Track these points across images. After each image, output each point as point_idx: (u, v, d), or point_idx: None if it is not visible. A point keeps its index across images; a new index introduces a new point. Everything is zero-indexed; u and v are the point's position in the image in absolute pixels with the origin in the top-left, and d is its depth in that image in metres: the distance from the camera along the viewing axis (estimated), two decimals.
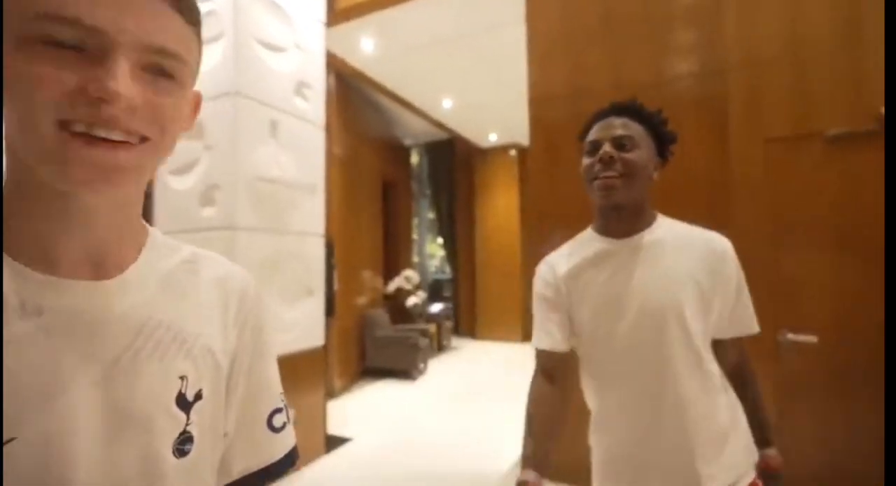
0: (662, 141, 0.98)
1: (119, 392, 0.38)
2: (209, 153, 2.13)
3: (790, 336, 1.78)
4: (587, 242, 1.02)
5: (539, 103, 2.35)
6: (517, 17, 2.47)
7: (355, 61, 4.13)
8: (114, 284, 0.40)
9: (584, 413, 1.03)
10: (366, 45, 3.82)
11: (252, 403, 0.49)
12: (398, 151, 6.60)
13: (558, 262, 1.03)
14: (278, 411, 0.50)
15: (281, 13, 2.33)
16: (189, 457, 0.41)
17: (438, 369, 5.32)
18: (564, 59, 2.28)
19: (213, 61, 2.11)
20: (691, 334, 0.90)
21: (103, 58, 0.33)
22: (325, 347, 2.70)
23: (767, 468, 0.95)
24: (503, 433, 3.17)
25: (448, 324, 6.61)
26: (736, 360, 0.99)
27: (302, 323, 2.46)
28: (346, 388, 4.35)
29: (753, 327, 0.98)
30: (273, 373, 0.52)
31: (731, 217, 1.92)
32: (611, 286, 0.96)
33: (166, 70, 0.37)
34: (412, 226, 7.32)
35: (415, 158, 7.75)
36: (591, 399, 1.03)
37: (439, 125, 6.07)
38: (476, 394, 4.39)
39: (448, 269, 7.66)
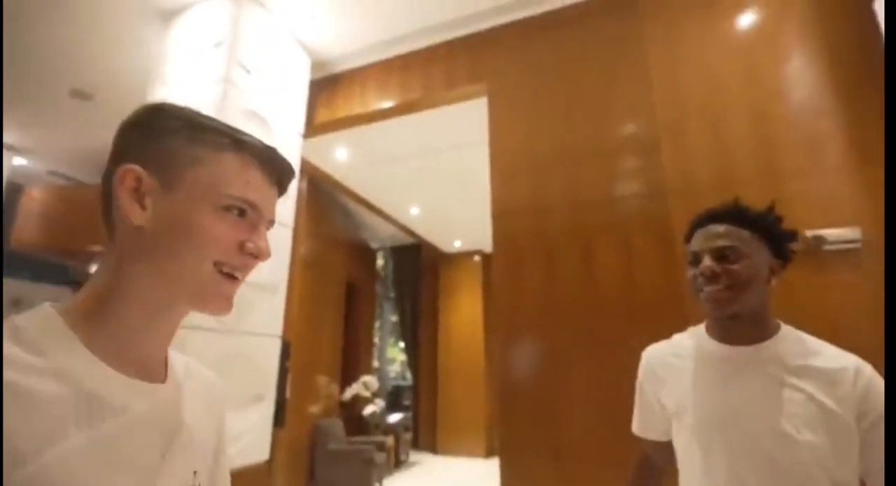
0: (778, 240, 0.90)
1: (162, 482, 0.46)
2: None
3: None
4: (699, 342, 0.95)
5: (502, 218, 2.50)
6: (481, 139, 2.73)
7: (328, 168, 4.35)
8: (165, 387, 0.50)
9: None
10: (340, 154, 4.06)
11: None
12: (364, 254, 6.68)
13: (667, 357, 0.99)
14: None
15: (265, 125, 2.50)
16: None
17: None
18: (524, 179, 2.49)
19: None
20: (811, 470, 0.76)
21: (256, 225, 0.52)
22: (269, 462, 2.44)
23: None
24: None
25: (407, 436, 6.15)
26: None
27: (249, 434, 2.24)
28: None
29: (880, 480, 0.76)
30: (228, 469, 0.61)
31: (681, 321, 1.99)
32: (718, 397, 0.86)
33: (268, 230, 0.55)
34: (374, 329, 7.14)
35: (380, 261, 7.83)
36: None
37: (406, 230, 6.27)
38: None
39: (409, 375, 7.34)
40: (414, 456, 6.34)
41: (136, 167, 0.47)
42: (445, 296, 7.21)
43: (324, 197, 5.03)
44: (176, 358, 0.55)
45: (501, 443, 2.25)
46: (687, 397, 0.90)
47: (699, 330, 0.99)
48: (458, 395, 6.63)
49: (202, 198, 0.48)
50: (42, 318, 0.43)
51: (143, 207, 0.47)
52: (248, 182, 0.51)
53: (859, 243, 1.79)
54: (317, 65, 3.14)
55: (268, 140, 2.36)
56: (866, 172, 1.87)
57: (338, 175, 4.56)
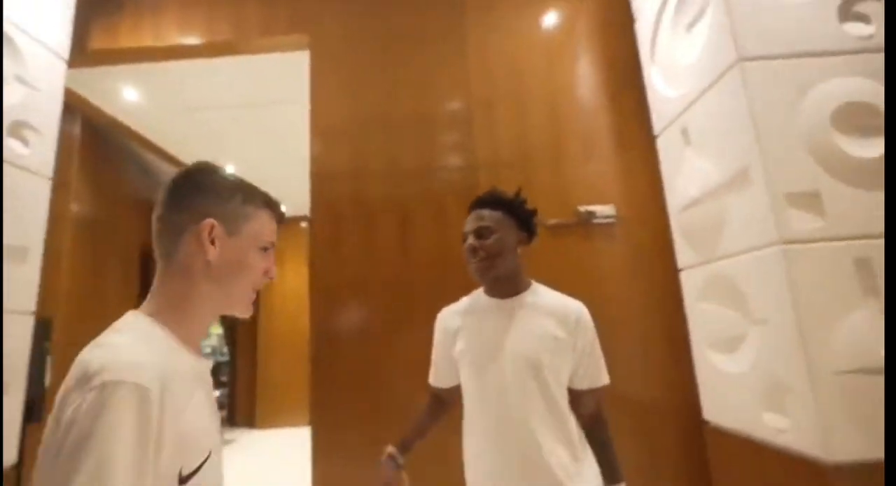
0: (523, 218, 1.19)
1: (216, 427, 0.72)
2: None
3: None
4: (477, 299, 1.24)
5: (321, 179, 2.40)
6: (302, 95, 2.55)
7: (113, 110, 3.60)
8: (206, 363, 0.75)
9: None
10: (128, 93, 3.38)
11: None
12: None
13: (454, 314, 1.25)
14: None
15: (8, 43, 1.91)
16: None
17: None
18: (345, 143, 2.41)
19: None
20: (548, 380, 1.09)
21: (270, 255, 0.77)
22: (18, 467, 1.99)
23: None
24: None
25: (222, 414, 5.69)
26: (592, 408, 1.17)
27: None
28: None
29: (603, 380, 1.17)
30: None
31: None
32: (490, 338, 1.15)
33: None
34: None
35: None
36: (465, 431, 1.18)
37: None
38: None
39: (227, 350, 6.75)
40: (230, 434, 5.93)
41: (213, 221, 0.70)
42: None
43: (109, 147, 4.14)
44: None
45: (314, 412, 2.22)
46: (468, 342, 1.19)
47: (479, 291, 1.28)
48: (281, 367, 6.36)
49: (252, 242, 0.73)
50: (147, 322, 0.67)
51: (215, 247, 0.70)
52: (273, 230, 0.77)
53: (614, 219, 2.21)
54: None
55: (13, 62, 1.86)
56: (622, 158, 2.29)
57: (127, 120, 3.81)
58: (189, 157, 4.64)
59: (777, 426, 1.48)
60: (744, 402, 1.64)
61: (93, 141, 3.75)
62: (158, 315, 0.68)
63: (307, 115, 2.50)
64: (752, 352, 1.60)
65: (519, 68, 2.43)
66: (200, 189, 0.71)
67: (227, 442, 5.60)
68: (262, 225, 0.75)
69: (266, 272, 0.76)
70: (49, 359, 2.28)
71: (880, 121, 1.41)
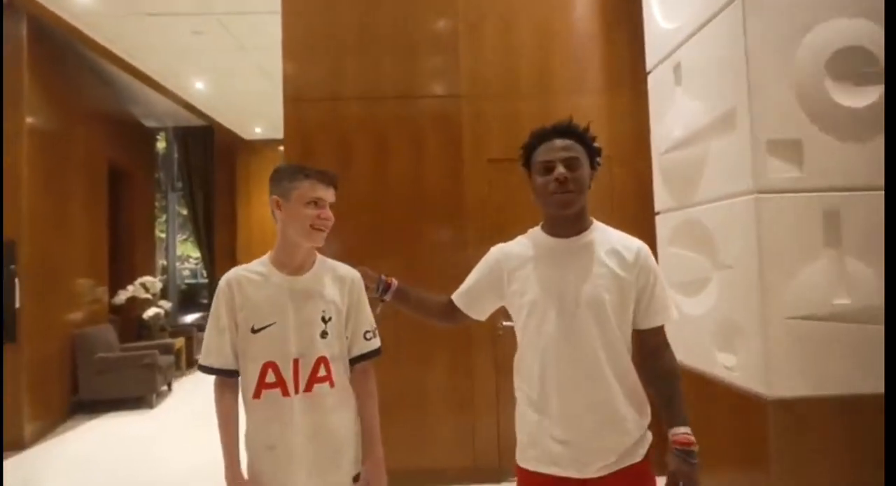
0: (593, 154, 1.12)
1: (300, 314, 1.14)
2: None
3: (505, 323, 2.15)
4: (536, 238, 1.18)
5: (294, 103, 2.26)
6: (274, 5, 2.33)
7: (65, 13, 3.25)
8: (303, 277, 1.17)
9: None
10: None
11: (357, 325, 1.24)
12: (135, 133, 5.50)
13: (511, 252, 1.19)
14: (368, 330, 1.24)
15: None
16: (327, 338, 1.16)
17: (186, 388, 4.64)
18: (320, 62, 2.25)
19: None
20: (610, 318, 1.06)
21: (323, 206, 1.16)
22: None
23: (678, 444, 1.02)
24: None
25: (202, 335, 5.83)
26: (655, 345, 1.12)
27: None
28: (44, 433, 3.36)
29: (668, 317, 1.11)
30: (366, 314, 1.26)
31: (462, 221, 2.20)
32: (551, 277, 1.10)
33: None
34: (154, 223, 6.22)
35: (161, 144, 6.62)
36: (524, 374, 1.13)
37: (192, 109, 5.31)
38: None
39: (206, 273, 6.76)
40: None
41: (276, 197, 1.14)
42: (245, 187, 6.59)
43: (63, 54, 3.79)
44: (323, 262, 1.22)
45: None
46: (528, 279, 1.14)
47: (536, 230, 1.21)
48: None
49: (298, 202, 1.11)
50: (264, 257, 1.19)
51: (281, 211, 1.14)
52: (314, 190, 1.12)
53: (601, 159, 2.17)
54: None
55: None
56: (611, 95, 2.20)
57: (82, 25, 3.45)
58: (155, 70, 4.31)
59: (727, 364, 1.58)
60: (700, 342, 1.73)
61: (43, 47, 3.41)
62: (271, 253, 1.18)
63: (278, 28, 2.30)
64: (713, 296, 1.66)
65: None
66: (271, 180, 1.17)
67: None
68: (304, 189, 1.11)
69: (318, 216, 1.12)
70: (17, 281, 2.23)
71: (874, 68, 1.36)
